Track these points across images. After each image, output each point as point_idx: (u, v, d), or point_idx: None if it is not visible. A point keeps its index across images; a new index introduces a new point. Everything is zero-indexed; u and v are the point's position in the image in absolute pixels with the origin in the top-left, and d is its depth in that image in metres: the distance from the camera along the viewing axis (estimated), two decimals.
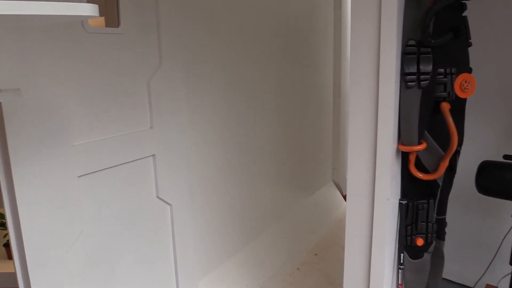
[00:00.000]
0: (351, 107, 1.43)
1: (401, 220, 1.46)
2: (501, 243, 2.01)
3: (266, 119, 2.71)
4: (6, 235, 2.35)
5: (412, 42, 1.26)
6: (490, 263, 2.12)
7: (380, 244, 1.41)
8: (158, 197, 1.83)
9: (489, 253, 2.13)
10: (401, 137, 1.35)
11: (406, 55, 1.27)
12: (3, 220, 2.21)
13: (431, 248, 1.49)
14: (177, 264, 1.94)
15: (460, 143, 1.39)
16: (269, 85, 2.71)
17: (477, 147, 2.07)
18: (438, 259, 1.54)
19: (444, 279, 2.17)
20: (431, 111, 1.33)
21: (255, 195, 2.67)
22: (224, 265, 2.42)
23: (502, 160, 1.56)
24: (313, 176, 3.56)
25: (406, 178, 1.44)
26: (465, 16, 1.33)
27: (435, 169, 1.39)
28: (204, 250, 2.23)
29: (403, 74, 1.28)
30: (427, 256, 1.49)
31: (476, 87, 1.32)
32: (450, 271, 2.27)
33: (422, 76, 1.26)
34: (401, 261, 1.49)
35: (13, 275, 1.33)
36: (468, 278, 2.30)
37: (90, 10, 0.76)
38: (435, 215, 1.47)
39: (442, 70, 1.31)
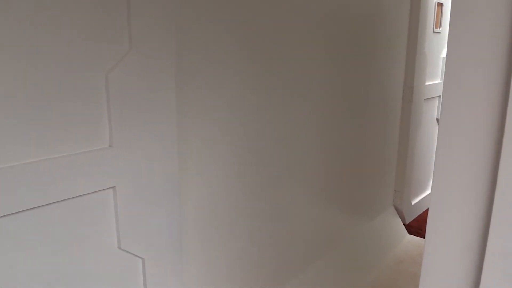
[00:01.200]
0: (445, 116, 0.73)
1: None
2: None
3: (310, 126, 2.01)
4: None
5: None
6: None
7: None
8: (120, 249, 1.21)
9: None
10: None
11: None
12: None
13: None
14: None
15: None
16: (318, 83, 2.00)
17: None
18: None
19: None
20: None
21: (287, 229, 1.99)
22: None
23: None
24: (370, 199, 2.80)
25: None
26: None
27: None
28: None
29: None
30: None
31: None
32: None
33: None
34: None
35: None
36: None
37: None
38: None
39: None
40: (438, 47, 3.13)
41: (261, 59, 1.67)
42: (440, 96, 3.27)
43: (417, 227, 3.46)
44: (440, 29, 3.09)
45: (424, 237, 3.40)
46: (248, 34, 1.59)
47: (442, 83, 3.29)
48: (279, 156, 1.84)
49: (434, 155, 3.24)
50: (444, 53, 3.22)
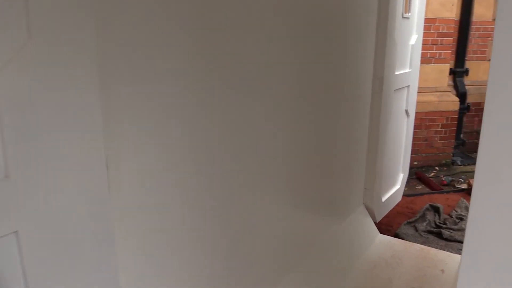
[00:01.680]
0: None
1: None
2: None
3: (272, 123, 1.74)
4: None
5: None
6: None
7: None
8: None
9: None
10: None
11: None
12: None
13: None
14: None
15: None
16: (280, 77, 1.73)
17: None
18: None
19: None
20: None
21: (250, 239, 1.72)
22: None
23: None
24: (340, 200, 2.59)
25: None
26: None
27: None
28: None
29: None
30: None
31: None
32: None
33: None
34: None
35: None
36: None
37: None
38: None
39: None
40: (406, 34, 2.94)
41: (212, 52, 1.37)
42: (408, 86, 3.10)
43: (386, 224, 3.30)
44: (409, 14, 2.90)
45: (394, 235, 3.26)
46: (194, 24, 1.28)
47: (411, 72, 3.11)
48: (235, 157, 1.55)
49: (403, 148, 3.05)
50: (412, 40, 3.03)
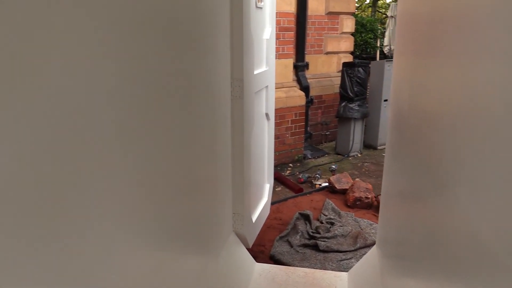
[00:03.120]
0: None
1: None
2: None
3: (112, 147, 1.06)
4: None
5: None
6: None
7: None
8: None
9: None
10: None
11: None
12: None
13: None
14: None
15: None
16: (115, 91, 1.06)
17: None
18: None
19: None
20: None
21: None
22: None
23: None
24: (206, 234, 2.03)
25: None
26: None
27: None
28: None
29: None
30: None
31: None
32: None
33: None
34: None
35: None
36: None
37: None
38: None
39: None
40: (261, 27, 2.53)
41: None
42: (267, 86, 2.72)
43: (258, 243, 2.90)
44: (262, 3, 2.49)
45: (270, 257, 2.87)
46: None
47: (269, 71, 2.73)
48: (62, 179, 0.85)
49: (266, 156, 2.65)
50: (267, 34, 2.65)
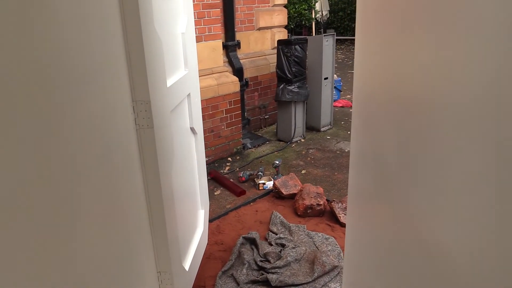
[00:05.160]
0: None
1: None
2: None
3: None
4: None
5: None
6: None
7: None
8: None
9: None
10: None
11: None
12: None
13: None
14: None
15: None
16: None
17: None
18: None
19: None
20: None
21: None
22: None
23: None
24: None
25: None
26: None
27: None
28: None
29: None
30: None
31: None
32: None
33: None
34: None
35: None
36: None
37: None
38: None
39: None
40: (171, 18, 1.88)
41: None
42: (189, 94, 2.09)
43: (197, 284, 2.36)
44: None
45: None
46: None
47: (189, 74, 2.10)
48: None
49: (197, 177, 2.06)
50: (182, 26, 2.00)
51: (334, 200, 3.01)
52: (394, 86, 1.07)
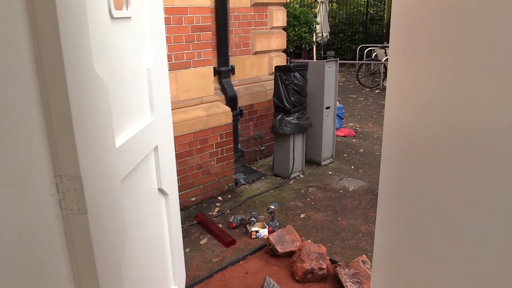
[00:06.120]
0: None
1: None
2: None
3: None
4: None
5: None
6: None
7: None
8: None
9: None
10: None
11: None
12: None
13: None
14: None
15: None
16: None
17: None
18: None
19: None
20: None
21: None
22: None
23: None
24: None
25: None
26: None
27: None
28: None
29: None
30: None
31: None
32: None
33: None
34: None
35: None
36: None
37: None
38: None
39: None
40: (131, 51, 1.41)
41: None
42: (156, 147, 1.61)
43: None
44: (130, 9, 1.37)
45: None
46: None
47: (157, 120, 1.62)
48: None
49: (168, 249, 1.57)
50: (148, 61, 1.53)
51: (339, 264, 2.50)
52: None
